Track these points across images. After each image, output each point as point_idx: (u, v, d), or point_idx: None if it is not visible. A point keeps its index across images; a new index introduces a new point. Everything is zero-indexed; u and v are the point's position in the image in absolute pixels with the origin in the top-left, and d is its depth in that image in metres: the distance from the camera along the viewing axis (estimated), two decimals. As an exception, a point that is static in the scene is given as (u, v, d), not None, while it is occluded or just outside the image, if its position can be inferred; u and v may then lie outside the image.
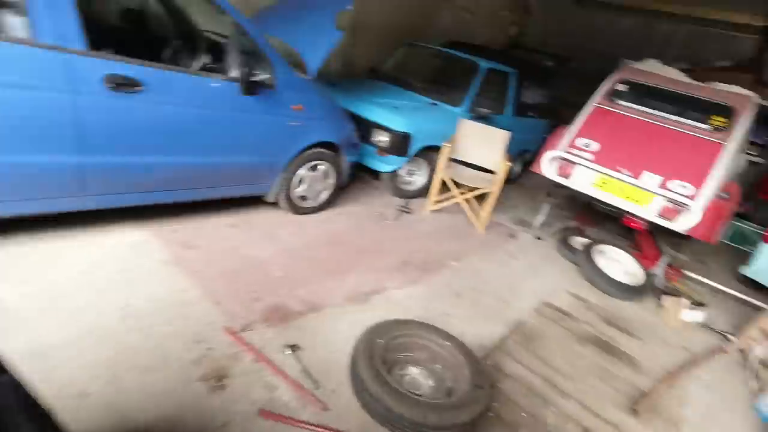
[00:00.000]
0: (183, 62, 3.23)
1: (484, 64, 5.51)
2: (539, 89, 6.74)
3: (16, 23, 2.15)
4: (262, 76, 3.08)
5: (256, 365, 2.30)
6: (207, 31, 3.56)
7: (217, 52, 3.21)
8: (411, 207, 4.95)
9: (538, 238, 5.12)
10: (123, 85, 2.46)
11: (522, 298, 3.73)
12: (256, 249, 3.34)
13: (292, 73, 3.38)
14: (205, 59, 3.17)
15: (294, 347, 2.45)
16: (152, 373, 2.10)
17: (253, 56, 3.04)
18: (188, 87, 2.80)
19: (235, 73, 2.95)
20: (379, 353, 2.30)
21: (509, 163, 4.70)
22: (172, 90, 2.71)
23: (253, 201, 3.86)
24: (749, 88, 4.62)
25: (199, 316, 2.52)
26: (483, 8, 9.04)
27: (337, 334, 2.66)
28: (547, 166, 4.72)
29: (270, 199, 3.82)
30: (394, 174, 4.92)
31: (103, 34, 2.51)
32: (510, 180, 6.94)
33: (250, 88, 3.02)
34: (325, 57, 3.45)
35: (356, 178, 5.04)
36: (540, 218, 5.34)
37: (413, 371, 2.44)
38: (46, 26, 2.14)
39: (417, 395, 2.13)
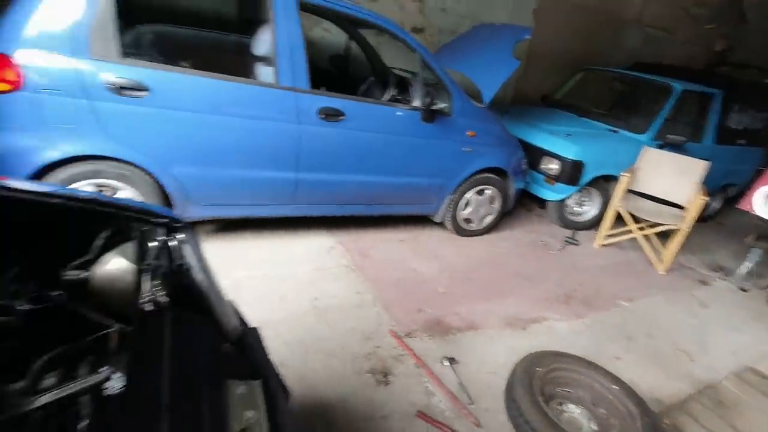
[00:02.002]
0: (375, 95, 3.75)
1: (678, 86, 4.91)
2: (755, 112, 5.65)
3: (267, 72, 2.85)
4: (440, 105, 3.39)
5: (417, 370, 2.50)
6: (394, 68, 4.06)
7: (402, 86, 3.63)
8: (578, 239, 4.66)
9: (743, 290, 4.27)
10: (331, 115, 3.01)
11: (714, 356, 3.18)
12: (421, 264, 3.61)
13: (467, 101, 3.60)
14: (392, 92, 3.61)
15: (452, 360, 2.58)
16: (333, 359, 2.47)
17: (434, 87, 3.37)
18: (379, 115, 3.27)
19: (417, 102, 3.32)
20: (538, 382, 2.27)
21: (705, 198, 4.07)
22: (367, 118, 3.20)
23: (421, 220, 4.17)
24: None
25: (371, 317, 2.86)
26: (682, 23, 8.02)
27: (493, 356, 2.70)
28: (762, 203, 3.94)
29: (437, 219, 4.08)
30: (561, 203, 4.72)
31: (317, 75, 3.11)
32: (705, 217, 5.94)
33: (430, 115, 3.35)
34: (500, 86, 3.59)
35: (521, 204, 4.99)
36: (747, 265, 4.44)
37: (573, 409, 2.32)
38: (286, 73, 2.80)
39: (578, 434, 2.03)
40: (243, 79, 2.74)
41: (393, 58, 4.35)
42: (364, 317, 2.84)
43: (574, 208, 4.88)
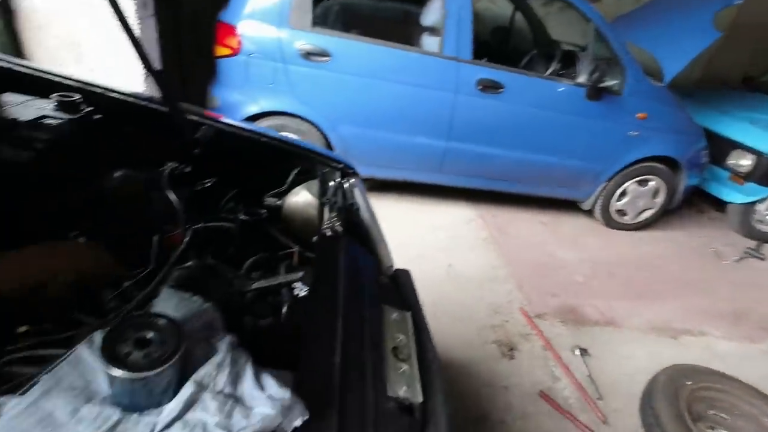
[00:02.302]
0: (537, 69, 3.59)
1: None
2: None
3: (432, 41, 2.96)
4: (610, 82, 3.10)
5: (543, 352, 2.45)
6: (560, 42, 3.80)
7: (568, 60, 3.40)
8: (765, 253, 3.88)
9: None
10: (489, 87, 3.01)
11: None
12: (561, 250, 3.44)
13: (643, 79, 3.22)
14: (556, 66, 3.41)
15: (584, 351, 2.47)
16: (460, 323, 2.56)
17: (605, 62, 3.08)
18: (538, 90, 3.14)
19: (583, 78, 3.08)
20: (685, 397, 2.04)
21: None
22: (525, 92, 3.11)
23: (566, 204, 3.94)
24: None
25: (503, 292, 2.87)
26: None
27: (630, 358, 2.51)
28: None
29: (585, 206, 3.80)
30: (749, 207, 3.96)
31: (479, 47, 3.10)
32: None
33: (596, 93, 3.09)
34: (687, 62, 3.12)
35: (690, 204, 4.34)
36: None
37: (727, 437, 2.05)
38: (451, 43, 2.87)
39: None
40: (410, 47, 2.90)
41: (559, 32, 4.06)
42: (496, 291, 2.86)
43: (766, 216, 4.05)
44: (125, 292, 0.97)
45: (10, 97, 1.22)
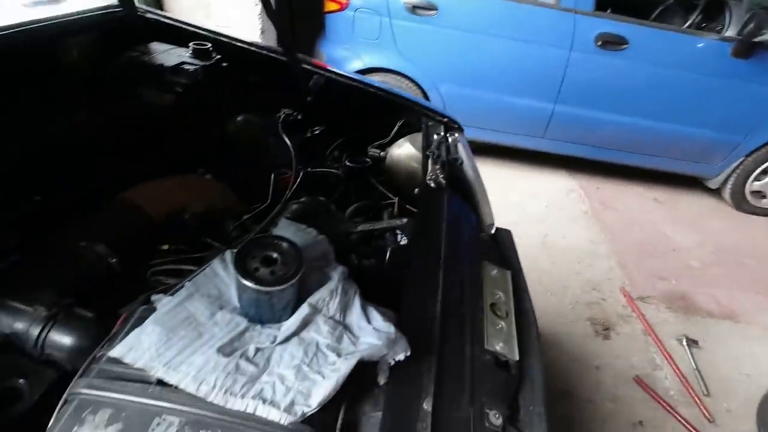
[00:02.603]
0: (671, 21, 3.12)
1: None
2: None
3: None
4: (768, 36, 2.59)
5: (644, 337, 2.27)
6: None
7: (713, 10, 2.90)
8: None
9: None
10: (610, 43, 2.69)
11: None
12: (676, 231, 3.09)
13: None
14: (696, 17, 2.94)
15: (693, 342, 2.23)
16: (552, 296, 2.45)
17: (766, 12, 2.57)
18: (672, 46, 2.74)
19: (733, 31, 2.61)
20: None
21: None
22: (654, 49, 2.73)
23: (687, 181, 3.49)
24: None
25: (602, 269, 2.67)
26: None
27: (751, 357, 2.23)
28: None
29: (712, 184, 3.33)
30: None
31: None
32: None
33: (747, 49, 2.61)
34: None
35: None
36: None
37: None
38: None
39: None
40: (523, -1, 2.68)
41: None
42: (594, 267, 2.68)
43: None
44: (244, 224, 1.06)
45: (156, 46, 1.36)
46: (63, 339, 0.76)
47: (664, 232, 3.07)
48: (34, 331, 0.75)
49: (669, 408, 1.93)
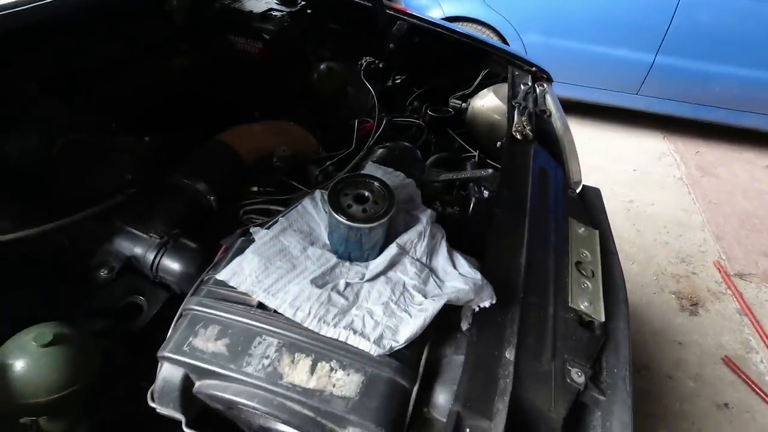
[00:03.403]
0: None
1: None
2: None
3: None
4: None
5: (738, 317, 2.08)
6: None
7: None
8: None
9: None
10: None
11: None
12: (792, 203, 2.73)
13: None
14: None
15: (798, 326, 2.01)
16: (634, 264, 2.30)
17: None
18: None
19: None
20: None
21: None
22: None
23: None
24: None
25: (694, 240, 2.44)
26: None
27: None
28: None
29: None
30: None
31: None
32: None
33: None
34: None
35: None
36: None
37: None
38: None
39: None
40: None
41: None
42: (685, 238, 2.46)
43: None
44: (327, 169, 1.09)
45: (245, -8, 1.38)
46: (173, 264, 0.84)
47: (775, 204, 2.73)
48: (150, 256, 0.84)
49: (762, 393, 1.78)
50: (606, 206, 2.56)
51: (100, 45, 1.12)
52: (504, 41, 2.73)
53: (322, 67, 1.34)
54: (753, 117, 2.82)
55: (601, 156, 3.00)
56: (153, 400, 0.62)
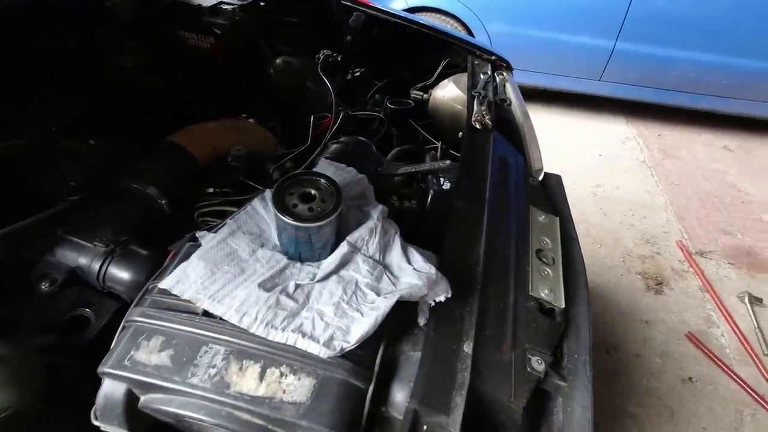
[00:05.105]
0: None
1: None
2: None
3: None
4: None
5: (701, 294, 2.15)
6: None
7: None
8: None
9: None
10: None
11: None
12: (747, 182, 2.83)
13: None
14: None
15: (756, 300, 2.10)
16: (602, 247, 2.35)
17: None
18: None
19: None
20: None
21: None
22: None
23: (764, 126, 3.14)
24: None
25: (658, 221, 2.52)
26: None
27: (824, 319, 2.06)
28: None
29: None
30: None
31: None
32: None
33: None
34: None
35: None
36: None
37: None
38: None
39: None
40: None
41: None
42: (649, 219, 2.52)
43: None
44: (284, 166, 1.06)
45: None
46: (121, 273, 0.80)
47: (733, 183, 2.83)
48: (96, 266, 0.80)
49: (723, 366, 1.85)
50: (573, 192, 2.60)
51: (37, 44, 1.06)
52: (469, 31, 2.74)
53: (278, 61, 1.30)
54: (711, 99, 2.91)
55: (568, 142, 3.05)
56: (96, 418, 0.59)
